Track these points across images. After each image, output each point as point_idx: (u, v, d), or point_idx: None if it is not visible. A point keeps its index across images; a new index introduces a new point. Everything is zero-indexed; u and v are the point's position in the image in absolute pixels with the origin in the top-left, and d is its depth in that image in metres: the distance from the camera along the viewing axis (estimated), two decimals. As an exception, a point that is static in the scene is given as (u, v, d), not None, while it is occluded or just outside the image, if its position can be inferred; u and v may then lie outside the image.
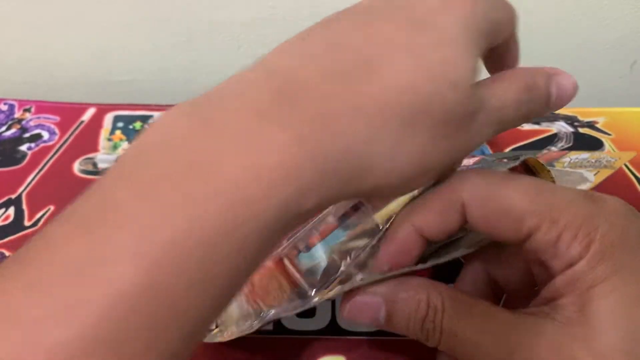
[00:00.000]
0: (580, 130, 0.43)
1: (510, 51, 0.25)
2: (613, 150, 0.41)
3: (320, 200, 0.17)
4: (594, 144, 0.42)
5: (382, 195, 0.20)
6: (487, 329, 0.20)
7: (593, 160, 0.36)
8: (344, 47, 0.19)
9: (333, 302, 0.32)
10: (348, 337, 0.30)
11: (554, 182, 0.33)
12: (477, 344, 0.20)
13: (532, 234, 0.20)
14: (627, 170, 0.39)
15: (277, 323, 0.31)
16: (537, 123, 0.44)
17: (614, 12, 0.50)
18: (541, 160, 0.36)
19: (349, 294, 0.23)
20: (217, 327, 0.29)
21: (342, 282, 0.25)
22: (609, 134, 0.43)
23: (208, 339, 0.29)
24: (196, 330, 0.16)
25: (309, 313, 0.32)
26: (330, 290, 0.25)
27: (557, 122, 0.44)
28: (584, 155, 0.37)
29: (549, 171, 0.34)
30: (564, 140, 0.42)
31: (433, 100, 0.18)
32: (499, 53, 0.24)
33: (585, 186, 0.33)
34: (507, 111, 0.21)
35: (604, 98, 0.55)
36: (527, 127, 0.44)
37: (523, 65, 0.26)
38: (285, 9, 0.50)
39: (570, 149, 0.41)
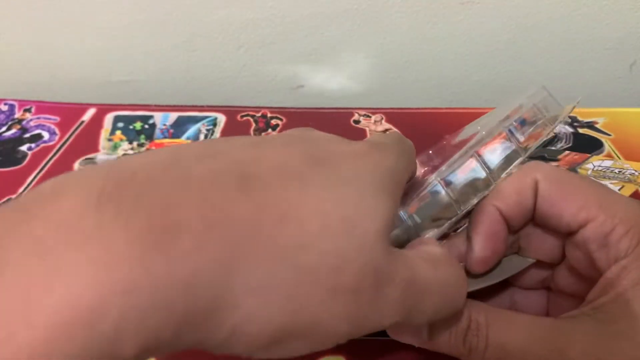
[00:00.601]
0: (580, 130, 0.43)
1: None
2: (613, 150, 0.41)
3: (147, 347, 0.14)
4: (594, 145, 0.42)
5: (239, 348, 0.15)
6: (535, 335, 0.21)
7: (617, 171, 0.36)
8: (225, 157, 0.17)
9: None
10: (348, 338, 0.30)
11: None
12: (527, 352, 0.21)
13: (589, 222, 0.21)
14: (613, 153, 0.40)
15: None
16: (537, 123, 0.44)
17: (614, 12, 0.50)
18: (564, 163, 0.36)
19: None
20: None
21: None
22: (609, 135, 0.43)
23: None
24: None
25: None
26: None
27: (557, 123, 0.44)
28: (606, 162, 0.37)
29: None
30: (564, 140, 0.42)
31: (332, 254, 0.16)
32: None
33: None
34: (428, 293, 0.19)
35: (604, 98, 0.55)
36: (527, 127, 0.44)
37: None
38: (285, 9, 0.50)
39: (570, 149, 0.41)
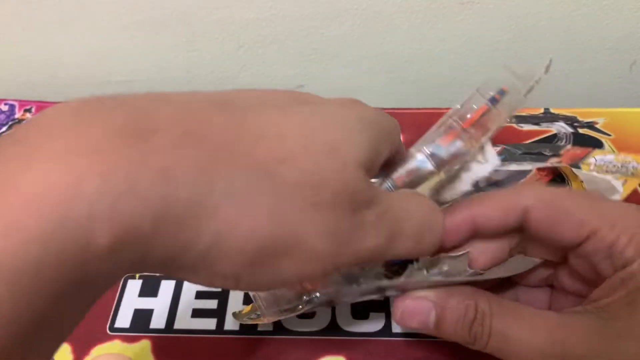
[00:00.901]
0: (580, 130, 0.43)
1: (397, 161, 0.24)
2: (613, 151, 0.41)
3: (123, 239, 0.13)
4: (594, 145, 0.42)
5: (223, 265, 0.15)
6: (538, 327, 0.21)
7: (619, 165, 0.37)
8: (235, 108, 0.17)
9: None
10: (348, 337, 0.30)
11: (584, 188, 0.34)
12: (528, 343, 0.21)
13: (590, 237, 0.21)
14: None
15: (277, 323, 0.31)
16: (537, 124, 0.44)
17: (614, 12, 0.50)
18: (566, 158, 0.36)
19: (401, 299, 0.24)
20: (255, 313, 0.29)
21: (394, 274, 0.25)
22: (609, 135, 0.43)
23: (246, 321, 0.29)
24: None
25: (309, 313, 0.32)
26: (378, 280, 0.25)
27: (556, 123, 0.44)
28: (609, 156, 0.37)
29: (582, 181, 0.35)
30: (564, 140, 0.42)
31: (313, 172, 0.16)
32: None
33: (614, 197, 0.33)
34: (404, 225, 0.19)
35: (604, 98, 0.55)
36: (526, 127, 0.44)
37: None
38: (285, 9, 0.50)
39: (570, 149, 0.42)
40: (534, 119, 0.45)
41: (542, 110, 0.45)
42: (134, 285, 0.35)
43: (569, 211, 0.22)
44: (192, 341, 0.32)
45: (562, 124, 0.44)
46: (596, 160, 0.38)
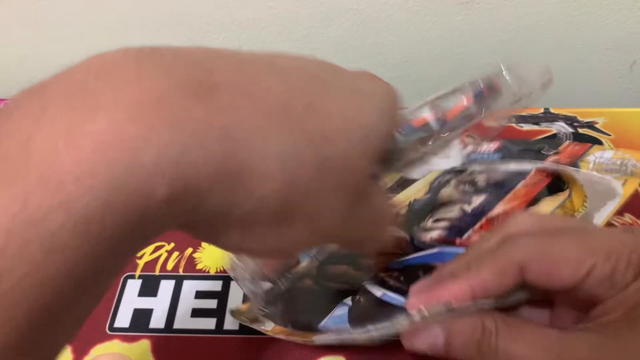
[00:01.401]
0: (580, 130, 0.43)
1: None
2: (611, 147, 0.41)
3: (182, 191, 0.14)
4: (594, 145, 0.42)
5: (259, 226, 0.16)
6: (540, 345, 0.22)
7: (618, 163, 0.37)
8: (281, 71, 0.18)
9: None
10: (347, 337, 0.30)
11: (584, 193, 0.34)
12: (531, 359, 0.21)
13: (590, 272, 0.21)
14: None
15: (277, 323, 0.31)
16: (537, 123, 0.44)
17: (614, 12, 0.50)
18: (565, 155, 0.36)
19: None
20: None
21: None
22: (609, 135, 0.43)
23: (244, 321, 0.30)
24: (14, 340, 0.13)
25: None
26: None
27: (556, 123, 0.44)
28: (607, 153, 0.37)
29: (581, 185, 0.35)
30: (564, 141, 0.42)
31: (347, 157, 0.17)
32: None
33: (615, 201, 0.34)
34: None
35: (604, 98, 0.55)
36: (526, 127, 0.44)
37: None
38: (285, 9, 0.50)
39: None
40: (534, 119, 0.45)
41: (542, 110, 0.45)
42: (133, 285, 0.35)
43: (564, 257, 0.22)
44: (192, 341, 0.32)
45: (562, 123, 0.44)
46: (595, 157, 0.38)
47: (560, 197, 0.35)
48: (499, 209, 0.35)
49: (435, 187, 0.38)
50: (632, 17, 0.50)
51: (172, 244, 0.37)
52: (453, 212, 0.35)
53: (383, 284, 0.31)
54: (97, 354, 0.31)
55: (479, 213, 0.35)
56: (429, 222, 0.35)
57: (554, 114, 0.45)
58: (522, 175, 0.37)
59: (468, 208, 0.35)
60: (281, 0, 0.49)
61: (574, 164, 0.38)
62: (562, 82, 0.56)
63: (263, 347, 0.30)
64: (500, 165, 0.39)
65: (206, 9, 0.50)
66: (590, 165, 0.37)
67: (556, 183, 0.36)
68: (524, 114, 0.45)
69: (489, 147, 0.40)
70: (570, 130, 0.43)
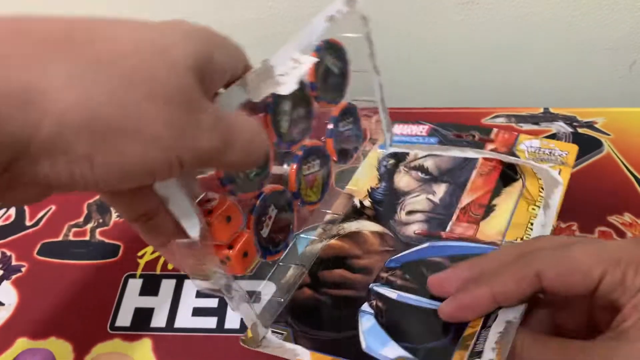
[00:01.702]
0: (580, 130, 0.43)
1: None
2: (613, 150, 0.41)
3: None
4: (594, 145, 0.42)
5: (75, 145, 0.17)
6: (566, 357, 0.23)
7: (547, 152, 0.38)
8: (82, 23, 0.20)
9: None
10: (347, 336, 0.30)
11: (538, 182, 0.36)
12: None
13: (602, 278, 0.23)
14: (612, 153, 0.40)
15: (277, 322, 0.31)
16: (537, 123, 0.44)
17: (614, 12, 0.50)
18: (499, 143, 0.38)
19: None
20: None
21: None
22: (608, 134, 0.43)
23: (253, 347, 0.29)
24: None
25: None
26: None
27: (556, 123, 0.44)
28: (535, 142, 0.39)
29: (535, 174, 0.36)
30: (563, 140, 0.42)
31: (145, 68, 0.19)
32: None
33: (559, 189, 0.35)
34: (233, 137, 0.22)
35: (603, 98, 0.55)
36: (526, 127, 0.44)
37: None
38: (285, 9, 0.50)
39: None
40: (534, 119, 0.45)
41: (541, 110, 0.46)
42: (134, 284, 0.35)
43: (577, 265, 0.24)
44: (193, 340, 0.32)
45: (561, 123, 0.44)
46: (527, 147, 0.39)
47: (516, 187, 0.36)
48: (466, 199, 0.36)
49: (385, 173, 0.39)
50: (632, 17, 0.50)
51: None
52: (421, 203, 0.36)
53: (391, 284, 0.31)
54: (98, 353, 0.31)
55: (449, 204, 0.36)
56: (402, 215, 0.36)
57: (553, 114, 0.45)
58: (468, 162, 0.38)
59: (434, 198, 0.36)
60: (281, 0, 0.49)
61: (511, 152, 0.38)
62: (562, 82, 0.56)
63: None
64: (444, 152, 0.39)
65: (206, 9, 0.50)
66: (526, 154, 0.38)
67: (508, 171, 0.37)
68: (523, 113, 0.45)
69: (418, 129, 0.42)
70: (570, 130, 0.43)
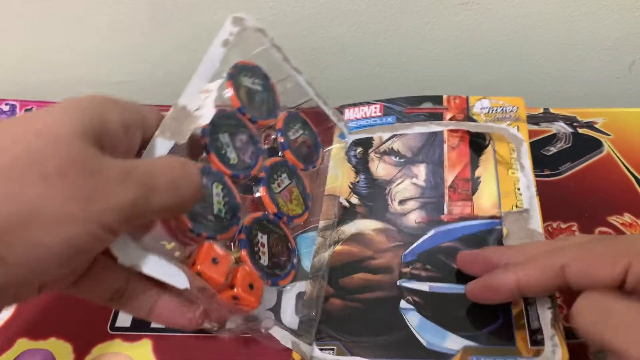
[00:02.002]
0: (580, 130, 0.43)
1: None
2: (613, 150, 0.41)
3: None
4: (593, 144, 0.42)
5: None
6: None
7: (499, 110, 0.39)
8: None
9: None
10: (348, 337, 0.30)
11: (509, 144, 0.36)
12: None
13: (628, 270, 0.23)
14: (612, 153, 0.41)
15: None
16: (537, 124, 0.44)
17: (614, 12, 0.50)
18: (454, 109, 0.40)
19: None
20: None
21: None
22: (608, 135, 0.43)
23: None
24: None
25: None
26: None
27: (556, 123, 0.44)
28: (485, 102, 0.40)
29: (502, 136, 0.37)
30: (563, 140, 0.42)
31: (27, 152, 0.19)
32: None
33: (524, 147, 0.36)
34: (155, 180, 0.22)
35: (604, 98, 0.55)
36: (526, 127, 0.44)
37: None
38: (285, 9, 0.50)
39: (569, 149, 0.42)
40: (534, 119, 0.45)
41: (541, 110, 0.46)
42: (134, 285, 0.35)
43: (601, 258, 0.24)
44: (193, 340, 0.32)
45: (561, 123, 0.44)
46: (481, 110, 0.39)
47: (489, 153, 0.37)
48: (449, 177, 0.36)
49: (358, 164, 0.39)
50: (632, 17, 0.50)
51: (172, 244, 0.37)
52: (408, 190, 0.36)
53: (417, 277, 0.31)
54: (99, 354, 0.31)
55: (435, 185, 0.36)
56: (395, 206, 0.36)
57: (553, 114, 0.45)
58: (435, 136, 0.38)
59: (419, 181, 0.36)
60: (281, 0, 0.49)
61: (469, 117, 0.39)
62: (562, 82, 0.56)
63: (265, 345, 0.30)
64: (407, 129, 0.39)
65: (207, 9, 0.50)
66: (482, 117, 0.39)
67: (474, 140, 0.38)
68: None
69: (370, 110, 0.41)
70: (570, 130, 0.43)
